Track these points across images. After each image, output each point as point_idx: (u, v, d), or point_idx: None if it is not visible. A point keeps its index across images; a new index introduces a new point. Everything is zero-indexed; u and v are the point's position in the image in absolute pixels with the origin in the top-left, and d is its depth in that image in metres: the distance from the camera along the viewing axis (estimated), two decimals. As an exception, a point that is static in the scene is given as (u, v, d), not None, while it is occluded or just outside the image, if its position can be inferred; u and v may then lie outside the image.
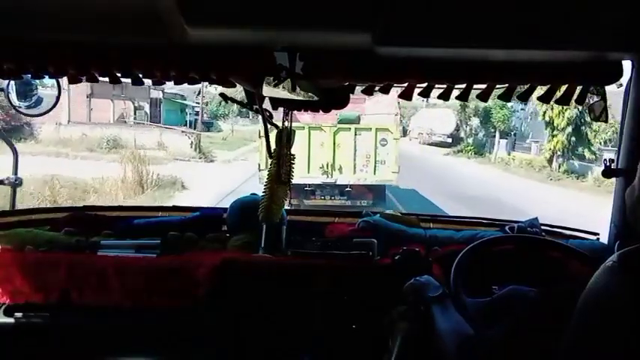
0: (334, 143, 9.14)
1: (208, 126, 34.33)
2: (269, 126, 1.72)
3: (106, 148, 19.73)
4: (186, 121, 31.95)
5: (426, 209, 9.91)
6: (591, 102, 1.55)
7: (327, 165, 9.10)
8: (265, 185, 1.76)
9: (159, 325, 1.74)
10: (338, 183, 9.17)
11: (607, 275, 0.80)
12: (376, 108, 9.14)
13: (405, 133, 34.99)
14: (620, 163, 1.59)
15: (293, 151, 1.80)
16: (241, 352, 1.73)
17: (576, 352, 0.80)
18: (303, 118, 8.23)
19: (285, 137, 1.74)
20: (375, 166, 9.13)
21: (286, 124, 1.74)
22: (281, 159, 1.73)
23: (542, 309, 0.93)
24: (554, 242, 1.71)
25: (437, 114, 30.85)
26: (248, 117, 36.49)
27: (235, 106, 32.91)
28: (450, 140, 31.76)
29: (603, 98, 1.53)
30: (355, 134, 9.13)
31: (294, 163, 1.79)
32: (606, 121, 1.57)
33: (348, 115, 8.88)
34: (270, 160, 1.79)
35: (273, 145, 1.76)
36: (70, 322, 1.76)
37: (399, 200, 10.34)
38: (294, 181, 1.79)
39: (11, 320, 1.74)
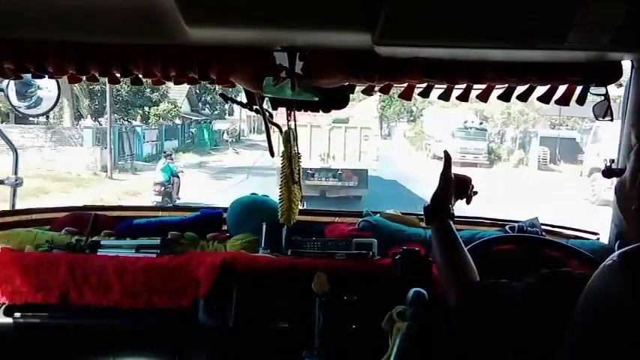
0: (329, 138, 12.19)
1: None
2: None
3: None
4: None
5: (403, 195, 12.80)
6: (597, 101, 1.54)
7: (324, 154, 12.18)
8: (280, 187, 1.73)
9: (159, 325, 1.74)
10: (332, 167, 12.23)
11: (608, 274, 0.80)
12: (361, 110, 11.94)
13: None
14: (621, 163, 1.59)
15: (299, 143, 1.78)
16: (241, 352, 1.73)
17: (577, 351, 0.80)
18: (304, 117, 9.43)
19: (293, 137, 1.73)
20: (360, 155, 12.26)
21: (290, 124, 1.73)
22: (292, 159, 1.72)
23: (542, 293, 0.94)
24: (555, 242, 1.71)
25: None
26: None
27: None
28: None
29: (607, 97, 1.52)
30: (345, 131, 12.13)
31: (301, 162, 1.78)
32: (612, 120, 1.55)
33: (339, 116, 11.36)
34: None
35: (282, 147, 1.74)
36: (70, 322, 1.76)
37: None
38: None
39: (11, 320, 1.74)
